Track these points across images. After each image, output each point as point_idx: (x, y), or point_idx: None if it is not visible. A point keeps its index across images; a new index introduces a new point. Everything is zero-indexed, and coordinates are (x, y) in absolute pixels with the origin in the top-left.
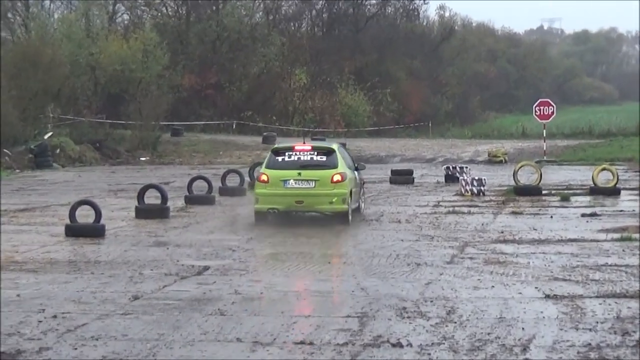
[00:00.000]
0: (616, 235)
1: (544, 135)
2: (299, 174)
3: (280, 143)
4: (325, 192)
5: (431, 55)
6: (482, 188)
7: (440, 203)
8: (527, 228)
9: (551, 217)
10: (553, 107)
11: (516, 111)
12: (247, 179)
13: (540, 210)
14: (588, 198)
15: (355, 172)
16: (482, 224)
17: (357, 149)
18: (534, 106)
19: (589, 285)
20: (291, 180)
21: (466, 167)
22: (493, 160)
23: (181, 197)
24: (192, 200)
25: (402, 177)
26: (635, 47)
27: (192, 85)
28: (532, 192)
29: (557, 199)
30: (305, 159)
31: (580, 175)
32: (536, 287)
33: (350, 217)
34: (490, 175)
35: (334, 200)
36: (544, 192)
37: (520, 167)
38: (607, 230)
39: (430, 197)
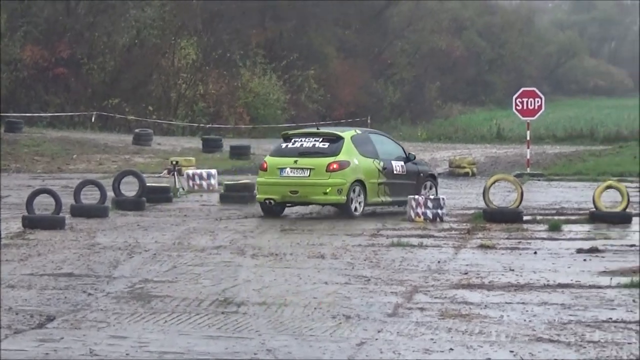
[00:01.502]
0: (624, 280)
1: (528, 138)
2: (296, 161)
3: (160, 144)
4: (320, 181)
5: (372, 23)
6: (439, 211)
7: (381, 231)
8: (500, 268)
9: (535, 253)
10: (541, 99)
11: (490, 104)
12: (110, 194)
13: (519, 243)
14: (587, 227)
15: (398, 163)
16: (439, 262)
17: (265, 153)
18: (515, 97)
19: (586, 349)
20: (287, 169)
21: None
22: (456, 172)
23: (17, 218)
24: (33, 222)
25: None
26: None
27: (35, 60)
28: (509, 217)
29: (544, 228)
30: (307, 145)
31: (577, 195)
32: (512, 351)
33: (358, 212)
34: (452, 194)
35: (327, 190)
36: (525, 218)
37: (494, 182)
38: (612, 273)
39: (367, 224)
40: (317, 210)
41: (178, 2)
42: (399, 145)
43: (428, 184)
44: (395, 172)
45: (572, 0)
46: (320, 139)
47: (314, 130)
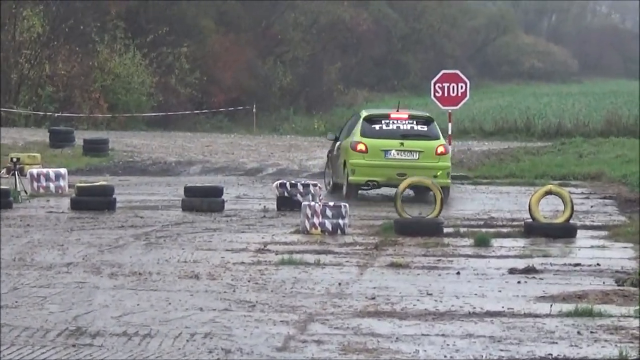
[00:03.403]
0: (567, 307)
1: (450, 132)
2: (402, 144)
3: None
4: (430, 164)
5: None
6: (340, 222)
7: (268, 246)
8: (415, 292)
9: (458, 273)
10: (465, 84)
11: (403, 90)
12: None
13: (439, 261)
14: (521, 242)
15: None
16: (340, 284)
17: (127, 149)
18: (433, 82)
19: None
20: (393, 151)
21: (314, 186)
22: None
23: None
24: None
25: (201, 200)
26: None
27: None
28: (426, 229)
29: (469, 243)
30: (405, 128)
31: (510, 202)
32: None
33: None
34: (357, 201)
35: (438, 174)
36: (446, 230)
37: (408, 186)
38: (552, 298)
39: (252, 236)
40: (192, 218)
41: None
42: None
43: None
44: None
45: None
46: (413, 121)
47: (400, 112)
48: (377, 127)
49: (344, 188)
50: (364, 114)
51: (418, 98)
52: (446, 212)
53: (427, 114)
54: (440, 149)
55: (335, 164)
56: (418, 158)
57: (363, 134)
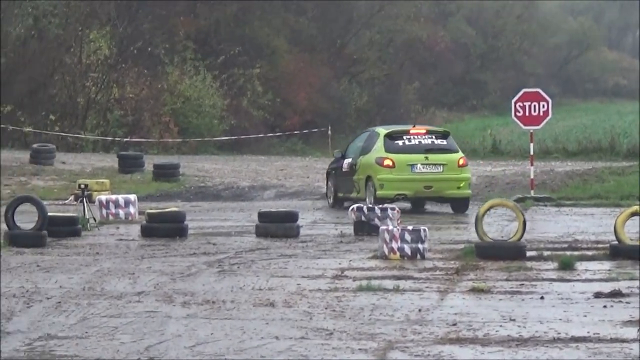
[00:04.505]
0: None
1: (532, 152)
2: (426, 158)
3: (65, 162)
4: (454, 176)
5: (333, 8)
6: (420, 246)
7: (346, 272)
8: (498, 317)
9: (542, 298)
10: (547, 102)
11: (483, 109)
12: (2, 226)
13: (522, 285)
14: (607, 265)
15: None
16: (420, 310)
17: (199, 174)
18: (514, 101)
19: None
20: (418, 165)
21: (392, 209)
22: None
23: None
24: None
25: (276, 226)
26: None
27: None
28: (508, 253)
29: (553, 267)
30: (427, 142)
31: (595, 224)
32: None
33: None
34: (436, 224)
35: (461, 185)
36: (529, 253)
37: (489, 209)
38: None
39: (329, 262)
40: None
41: None
42: None
43: None
44: None
45: None
46: (432, 136)
47: (417, 127)
48: (400, 142)
49: (367, 200)
50: (382, 131)
51: (499, 117)
52: (529, 235)
53: (444, 129)
54: (462, 161)
55: (344, 179)
56: (442, 171)
57: (388, 150)
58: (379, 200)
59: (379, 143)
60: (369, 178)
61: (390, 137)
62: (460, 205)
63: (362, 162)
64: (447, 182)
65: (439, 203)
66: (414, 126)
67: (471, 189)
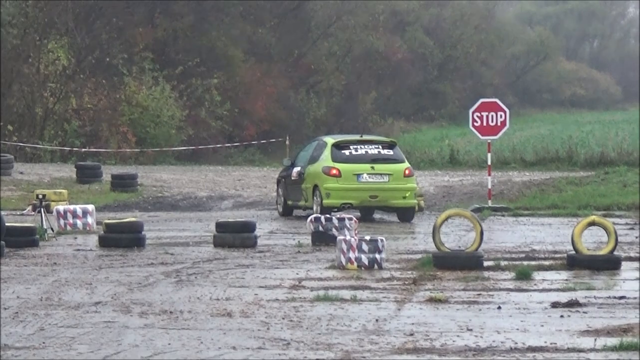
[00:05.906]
0: (612, 341)
1: (489, 163)
2: (372, 167)
3: (23, 172)
4: (400, 186)
5: (291, 19)
6: (377, 256)
7: (303, 282)
8: (455, 327)
9: (499, 307)
10: (505, 112)
11: (440, 120)
12: None
13: (479, 295)
14: (564, 274)
15: None
16: (377, 320)
17: (157, 184)
18: (472, 111)
19: None
20: (364, 175)
21: (350, 219)
22: None
23: None
24: None
25: (235, 236)
26: None
27: None
28: (465, 263)
29: (511, 277)
30: (374, 152)
31: (552, 234)
32: None
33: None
34: (394, 234)
35: (407, 195)
36: (486, 263)
37: (446, 219)
38: (597, 332)
39: (286, 272)
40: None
41: None
42: None
43: None
44: None
45: None
46: (379, 146)
47: (364, 137)
48: (346, 152)
49: (314, 209)
50: (330, 140)
51: (456, 128)
52: (486, 245)
53: (391, 139)
54: (407, 171)
55: (292, 187)
56: (388, 180)
57: (335, 159)
58: (325, 209)
59: (327, 152)
60: (316, 187)
61: (337, 146)
62: (406, 214)
63: (310, 171)
64: (393, 192)
65: (386, 212)
66: (361, 136)
67: (429, 199)
